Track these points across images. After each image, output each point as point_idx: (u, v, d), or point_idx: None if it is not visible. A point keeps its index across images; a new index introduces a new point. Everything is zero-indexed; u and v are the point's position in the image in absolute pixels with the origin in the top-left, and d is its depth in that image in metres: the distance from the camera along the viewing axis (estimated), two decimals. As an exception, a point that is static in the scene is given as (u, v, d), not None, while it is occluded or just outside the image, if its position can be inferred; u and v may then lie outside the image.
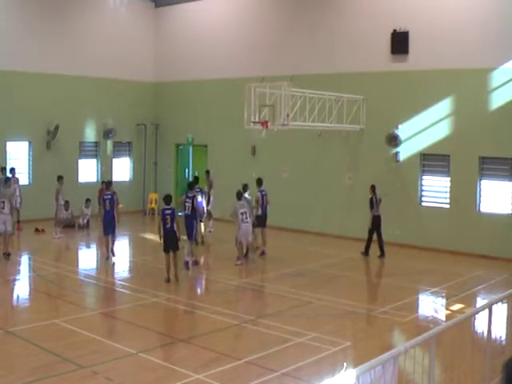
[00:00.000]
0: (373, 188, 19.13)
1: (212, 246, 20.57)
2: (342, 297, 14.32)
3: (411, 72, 20.41)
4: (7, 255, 17.74)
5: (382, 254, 19.06)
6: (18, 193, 21.72)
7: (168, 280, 15.43)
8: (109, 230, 18.20)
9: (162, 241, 15.51)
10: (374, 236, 19.01)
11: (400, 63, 20.70)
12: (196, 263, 17.51)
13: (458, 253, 19.30)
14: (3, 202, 17.83)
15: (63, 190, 21.52)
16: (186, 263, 16.87)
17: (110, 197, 18.35)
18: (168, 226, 15.26)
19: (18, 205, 21.55)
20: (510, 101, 18.58)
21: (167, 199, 15.63)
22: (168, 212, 15.31)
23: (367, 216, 19.33)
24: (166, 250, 15.47)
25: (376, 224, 19.05)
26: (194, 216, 17.15)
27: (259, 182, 19.21)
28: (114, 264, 17.85)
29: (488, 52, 18.81)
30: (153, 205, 27.02)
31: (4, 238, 17.92)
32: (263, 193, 19.10)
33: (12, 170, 22.29)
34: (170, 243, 15.37)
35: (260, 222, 18.75)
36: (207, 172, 22.98)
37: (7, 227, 17.84)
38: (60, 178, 21.51)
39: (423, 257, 19.31)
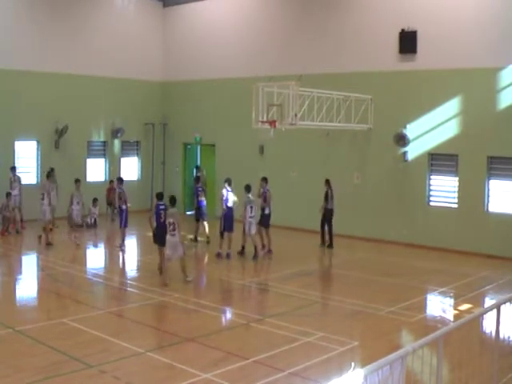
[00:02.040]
0: (327, 182, 20.13)
1: (218, 245, 20.56)
2: (350, 296, 14.31)
3: (419, 71, 20.36)
4: (49, 244, 19.45)
5: (331, 245, 20.12)
6: (17, 192, 21.91)
7: (161, 270, 16.08)
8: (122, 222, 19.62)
9: (153, 233, 16.34)
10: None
11: (408, 63, 20.65)
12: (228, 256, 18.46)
13: (466, 253, 19.25)
14: (43, 194, 19.70)
15: (79, 194, 21.05)
16: (228, 254, 18.32)
17: (121, 191, 19.75)
18: (162, 220, 15.91)
19: (17, 204, 22.00)
20: (519, 100, 18.57)
21: (160, 196, 16.40)
22: (162, 208, 16.05)
23: (375, 216, 19.28)
24: (156, 242, 16.25)
25: (328, 216, 20.10)
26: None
27: (265, 180, 19.29)
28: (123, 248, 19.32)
29: (496, 51, 18.74)
30: (160, 204, 27.02)
31: (44, 227, 19.54)
32: (267, 191, 19.16)
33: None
34: (161, 237, 15.95)
35: (264, 221, 18.88)
36: (197, 167, 23.19)
37: (46, 216, 19.57)
38: (77, 180, 21.23)
39: (431, 257, 19.27)
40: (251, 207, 18.23)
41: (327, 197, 20.06)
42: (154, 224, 16.02)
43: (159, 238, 15.98)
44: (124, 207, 19.51)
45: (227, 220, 18.33)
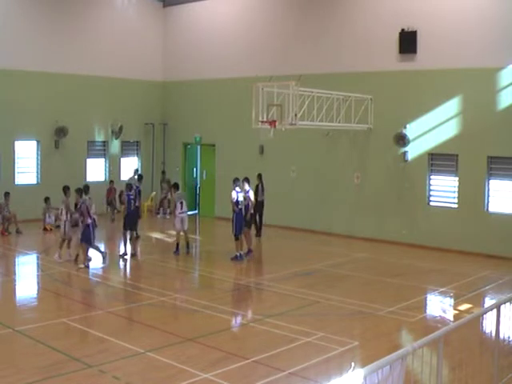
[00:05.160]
0: (259, 176, 21.54)
1: (218, 245, 20.60)
2: (350, 296, 14.30)
3: (419, 71, 20.36)
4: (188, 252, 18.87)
5: (259, 235, 21.62)
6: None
7: (125, 254, 18.13)
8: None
9: (124, 219, 18.83)
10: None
11: (408, 63, 20.65)
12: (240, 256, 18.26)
13: (466, 253, 19.25)
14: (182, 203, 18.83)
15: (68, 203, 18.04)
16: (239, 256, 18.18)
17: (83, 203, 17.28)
18: (131, 208, 18.60)
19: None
20: (519, 100, 18.57)
21: (129, 186, 18.87)
22: (132, 197, 18.71)
23: (375, 216, 19.20)
24: (126, 228, 18.58)
25: (259, 208, 21.27)
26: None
27: (247, 180, 18.46)
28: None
29: (496, 52, 18.75)
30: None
31: (181, 235, 18.87)
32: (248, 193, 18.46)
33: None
34: (131, 223, 18.70)
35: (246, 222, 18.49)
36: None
37: (184, 226, 18.76)
38: (66, 188, 18.16)
39: (431, 257, 19.26)
40: (181, 203, 18.67)
41: (258, 190, 21.06)
42: (126, 212, 18.66)
43: (128, 223, 18.45)
44: (89, 221, 16.79)
45: (239, 222, 18.01)
